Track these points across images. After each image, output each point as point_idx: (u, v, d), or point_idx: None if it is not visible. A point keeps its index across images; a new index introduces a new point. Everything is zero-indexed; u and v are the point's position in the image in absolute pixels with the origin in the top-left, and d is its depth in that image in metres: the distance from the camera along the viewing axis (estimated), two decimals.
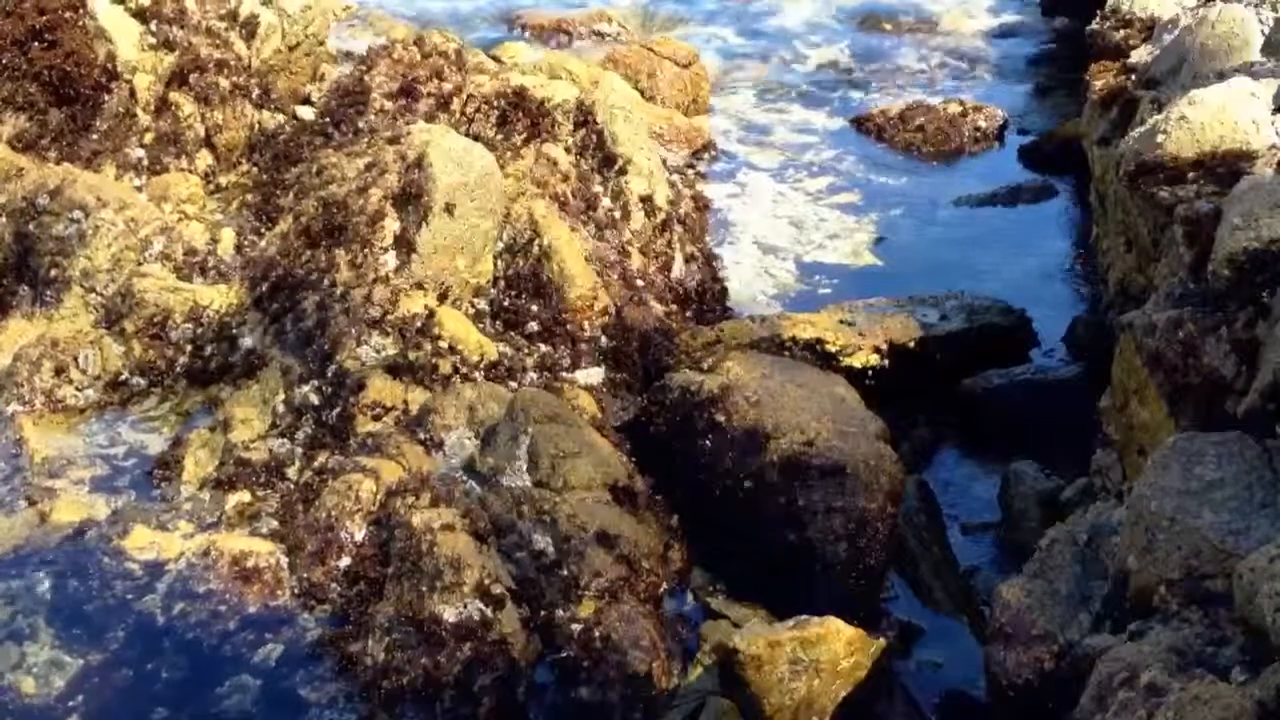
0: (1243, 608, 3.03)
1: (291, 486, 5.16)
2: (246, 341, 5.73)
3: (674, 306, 6.35)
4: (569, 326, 5.83)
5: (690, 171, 7.66)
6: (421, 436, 5.12)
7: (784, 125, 8.76)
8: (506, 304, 5.90)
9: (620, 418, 5.51)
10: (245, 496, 5.15)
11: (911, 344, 5.86)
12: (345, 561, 4.76)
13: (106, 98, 6.62)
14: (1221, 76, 5.09)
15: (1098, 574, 3.71)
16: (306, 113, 7.15)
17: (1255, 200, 3.93)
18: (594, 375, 5.74)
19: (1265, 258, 3.81)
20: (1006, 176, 8.05)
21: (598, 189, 6.58)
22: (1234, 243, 3.88)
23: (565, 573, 4.55)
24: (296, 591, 4.71)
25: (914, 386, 5.83)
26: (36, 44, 6.49)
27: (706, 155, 8.31)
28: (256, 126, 6.93)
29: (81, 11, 6.66)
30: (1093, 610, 3.61)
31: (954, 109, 8.76)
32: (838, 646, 4.18)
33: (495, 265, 5.99)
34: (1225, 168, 4.50)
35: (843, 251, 7.23)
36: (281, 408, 5.47)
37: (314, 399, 5.44)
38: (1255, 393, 3.61)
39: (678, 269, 6.59)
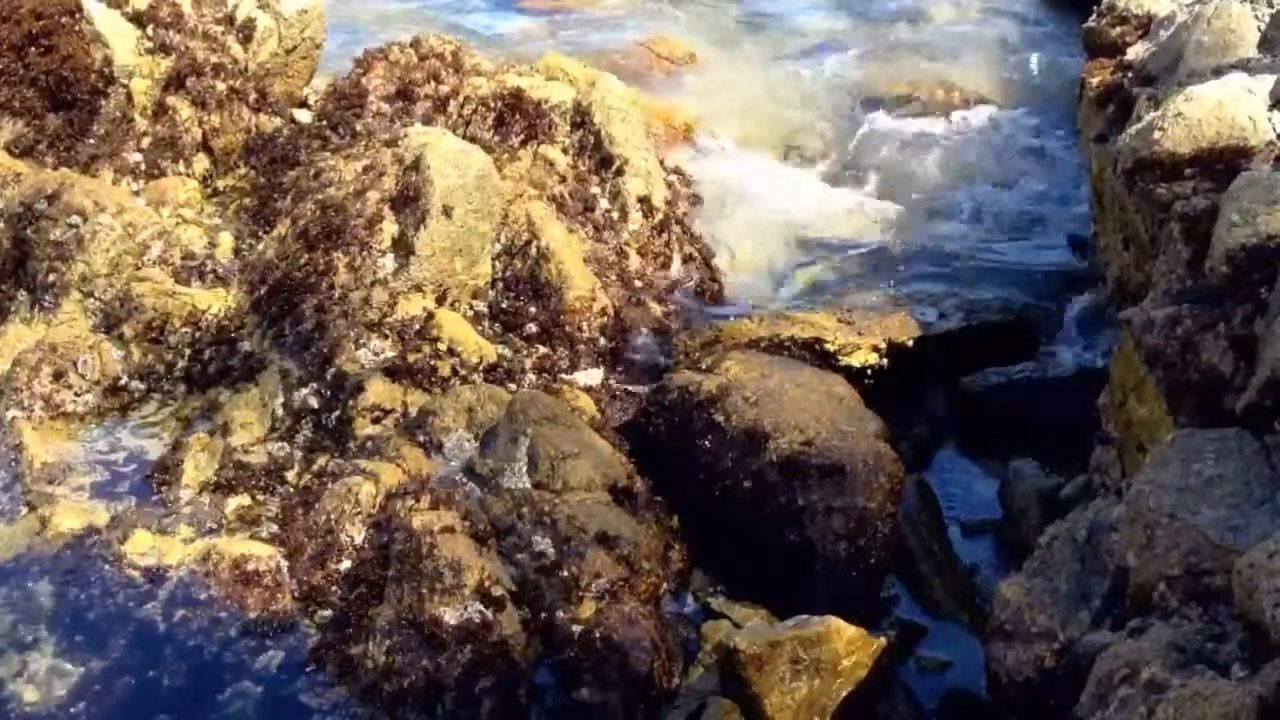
0: (1242, 604, 3.03)
1: (291, 490, 5.17)
2: (245, 345, 5.73)
3: (673, 307, 6.35)
4: (568, 328, 5.83)
5: (688, 167, 7.63)
6: (421, 439, 5.12)
7: (784, 113, 8.65)
8: (505, 306, 5.90)
9: (620, 419, 5.52)
10: (245, 500, 5.15)
11: (910, 342, 5.86)
12: (345, 565, 4.76)
13: (103, 102, 6.61)
14: (1218, 73, 5.08)
15: (1097, 571, 3.71)
16: (304, 116, 7.14)
17: (1252, 196, 3.94)
18: (593, 376, 5.74)
19: (1263, 254, 3.82)
20: (1006, 161, 8.01)
21: (595, 190, 6.59)
22: (1231, 239, 3.88)
23: (565, 574, 4.55)
24: (297, 595, 4.71)
25: (913, 384, 5.83)
26: (33, 49, 6.48)
27: (705, 149, 8.25)
28: (254, 130, 6.93)
29: (78, 16, 6.65)
30: (1093, 607, 3.62)
31: (954, 95, 8.69)
32: (838, 646, 4.19)
33: (493, 267, 6.00)
34: (1222, 164, 4.50)
35: (842, 239, 7.16)
36: (280, 411, 5.47)
37: (313, 402, 5.45)
38: (1253, 389, 3.62)
39: (675, 269, 6.60)
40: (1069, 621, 3.62)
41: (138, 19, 6.91)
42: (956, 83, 8.98)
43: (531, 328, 5.83)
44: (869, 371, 5.75)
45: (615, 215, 6.55)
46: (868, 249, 7.09)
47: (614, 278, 6.14)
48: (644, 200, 6.65)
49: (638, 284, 6.23)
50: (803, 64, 9.48)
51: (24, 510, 5.07)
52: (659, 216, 6.67)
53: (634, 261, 6.37)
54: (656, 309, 6.15)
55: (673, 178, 7.11)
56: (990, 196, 7.75)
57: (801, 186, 7.80)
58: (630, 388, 5.74)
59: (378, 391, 5.34)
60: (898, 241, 7.20)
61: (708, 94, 8.73)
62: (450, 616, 4.33)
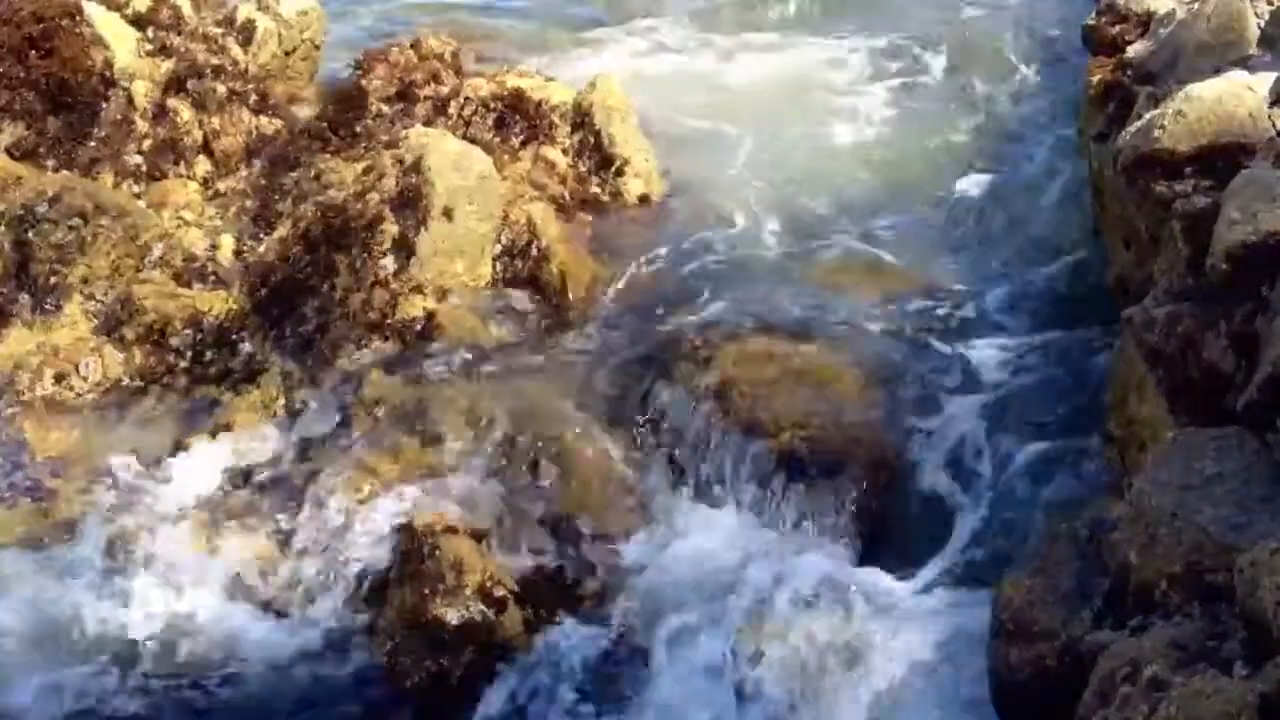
0: (1244, 602, 3.03)
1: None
2: (246, 347, 5.74)
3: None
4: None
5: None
6: (420, 436, 5.12)
7: (785, 94, 8.46)
8: None
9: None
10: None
11: None
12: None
13: (104, 105, 6.61)
14: (1218, 70, 5.07)
15: (1099, 570, 3.71)
16: (304, 117, 7.13)
17: (1253, 194, 3.93)
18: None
19: (1263, 251, 3.82)
20: (1003, 129, 7.88)
21: (596, 190, 6.59)
22: (1232, 237, 3.88)
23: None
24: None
25: None
26: (34, 52, 6.48)
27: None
28: (254, 132, 6.93)
29: (78, 19, 6.65)
30: (1094, 606, 3.61)
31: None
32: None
33: (494, 268, 6.01)
34: (1222, 161, 4.49)
35: (839, 212, 7.02)
36: (282, 413, 5.48)
37: (314, 403, 5.45)
38: (1255, 387, 3.61)
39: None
40: (1071, 620, 3.62)
41: (138, 21, 6.92)
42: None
43: None
44: None
45: None
46: (867, 214, 6.90)
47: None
48: (644, 200, 6.66)
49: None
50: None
51: (27, 505, 5.07)
52: None
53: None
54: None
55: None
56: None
57: (798, 156, 7.58)
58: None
59: (380, 392, 5.35)
60: (899, 200, 7.05)
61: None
62: (453, 617, 4.34)
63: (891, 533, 4.87)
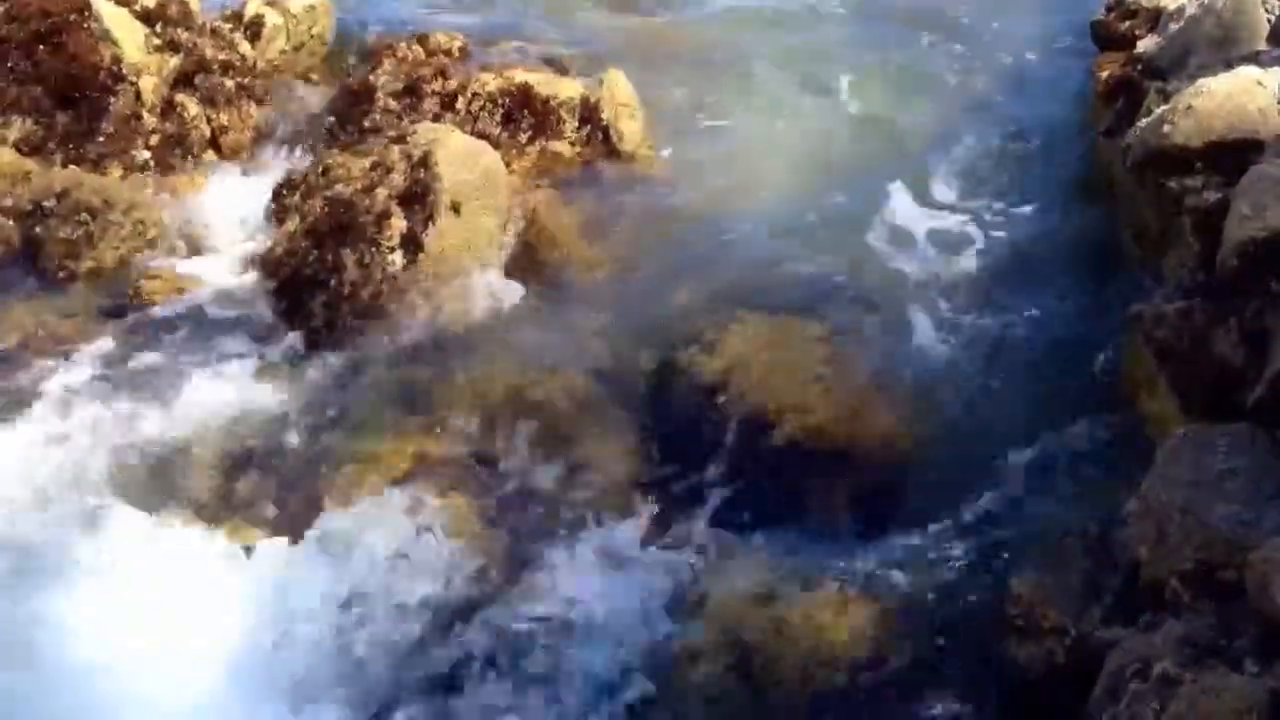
0: (1255, 599, 3.03)
1: (299, 479, 5.18)
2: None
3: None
4: None
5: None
6: (429, 426, 5.13)
7: (793, 87, 8.44)
8: None
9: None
10: (253, 489, 5.16)
11: None
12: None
13: (112, 100, 6.62)
14: (1228, 66, 5.07)
15: (1109, 566, 3.71)
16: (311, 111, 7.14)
17: (1263, 190, 3.93)
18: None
19: (1274, 247, 3.81)
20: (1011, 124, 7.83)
21: (602, 184, 6.59)
22: (1242, 233, 3.88)
23: None
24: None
25: None
26: (42, 47, 6.50)
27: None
28: (262, 127, 6.94)
29: (86, 14, 6.66)
30: (1104, 603, 3.61)
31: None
32: (846, 636, 4.19)
33: (502, 261, 6.00)
34: (1233, 157, 4.48)
35: (845, 204, 7.00)
36: (288, 406, 5.48)
37: (320, 396, 5.46)
38: (1265, 383, 3.61)
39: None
40: (1081, 617, 3.62)
41: (146, 17, 6.92)
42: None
43: None
44: None
45: None
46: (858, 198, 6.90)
47: None
48: (650, 193, 6.65)
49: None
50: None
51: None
52: None
53: None
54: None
55: None
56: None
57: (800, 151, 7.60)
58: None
59: (387, 384, 5.36)
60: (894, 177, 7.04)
61: None
62: None
63: (897, 521, 4.88)
